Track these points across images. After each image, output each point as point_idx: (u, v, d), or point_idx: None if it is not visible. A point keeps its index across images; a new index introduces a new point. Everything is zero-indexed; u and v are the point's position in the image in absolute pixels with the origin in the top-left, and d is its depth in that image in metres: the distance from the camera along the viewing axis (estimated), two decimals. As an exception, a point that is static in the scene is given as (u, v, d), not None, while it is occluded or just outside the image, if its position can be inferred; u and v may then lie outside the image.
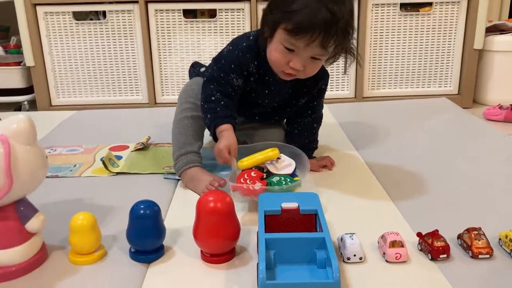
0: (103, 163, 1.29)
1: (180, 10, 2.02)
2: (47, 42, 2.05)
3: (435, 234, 0.85)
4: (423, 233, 0.87)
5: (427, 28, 2.08)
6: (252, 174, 1.04)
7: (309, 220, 0.88)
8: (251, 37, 1.16)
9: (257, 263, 0.75)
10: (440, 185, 1.17)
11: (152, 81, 2.10)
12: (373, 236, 0.90)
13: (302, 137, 1.26)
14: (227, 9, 2.03)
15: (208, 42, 2.06)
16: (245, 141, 1.32)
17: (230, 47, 1.16)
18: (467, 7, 2.05)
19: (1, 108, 2.19)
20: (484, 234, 0.85)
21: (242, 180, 1.02)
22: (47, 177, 1.21)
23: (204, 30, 2.06)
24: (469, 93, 2.14)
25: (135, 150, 1.42)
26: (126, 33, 2.06)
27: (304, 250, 0.79)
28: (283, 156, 1.09)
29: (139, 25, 2.03)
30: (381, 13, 2.05)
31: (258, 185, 1.00)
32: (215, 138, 1.12)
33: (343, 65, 1.13)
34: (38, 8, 2.00)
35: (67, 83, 2.11)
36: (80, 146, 1.48)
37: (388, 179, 1.20)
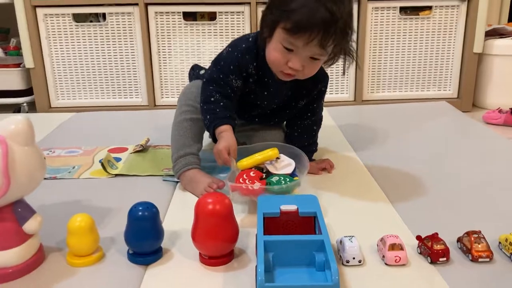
0: (102, 165, 1.28)
1: (180, 12, 2.02)
2: (46, 44, 2.05)
3: (434, 237, 0.85)
4: (423, 236, 0.87)
5: (426, 32, 2.08)
6: (251, 174, 1.03)
7: (308, 222, 0.88)
8: (250, 39, 1.16)
9: (256, 266, 0.75)
10: (439, 188, 1.17)
11: (152, 84, 2.10)
12: (373, 239, 0.89)
13: (302, 139, 1.26)
14: (227, 12, 2.03)
15: (208, 45, 2.06)
16: (245, 143, 1.32)
17: (229, 49, 1.16)
18: (466, 11, 2.05)
19: (1, 110, 2.19)
20: (484, 238, 0.85)
21: (241, 180, 1.02)
22: (45, 178, 1.21)
23: (204, 32, 2.06)
24: (468, 96, 2.14)
25: (134, 152, 1.41)
26: (126, 36, 2.05)
27: (303, 253, 0.78)
28: (282, 156, 1.08)
29: (139, 27, 2.02)
30: (381, 16, 2.06)
31: (257, 185, 1.00)
32: (215, 139, 1.11)
33: (343, 69, 1.13)
34: (38, 10, 2.00)
35: (66, 85, 2.11)
36: (79, 148, 1.48)
37: (388, 182, 1.20)
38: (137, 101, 2.13)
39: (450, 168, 1.29)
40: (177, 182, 1.20)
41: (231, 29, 2.05)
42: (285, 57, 1.05)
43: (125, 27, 2.04)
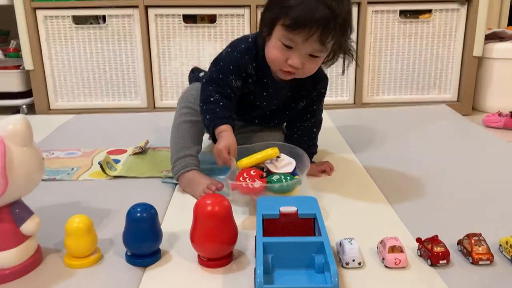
0: (101, 166, 1.28)
1: (180, 15, 2.02)
2: (46, 46, 2.04)
3: (434, 240, 0.84)
4: (423, 239, 0.86)
5: (426, 35, 2.08)
6: (252, 173, 1.02)
7: (308, 224, 0.87)
8: (249, 39, 1.16)
9: (255, 268, 0.74)
10: (439, 190, 1.16)
11: (152, 86, 2.09)
12: (372, 241, 0.89)
13: (302, 141, 1.26)
14: (227, 15, 2.03)
15: (208, 48, 2.06)
16: (245, 144, 1.32)
17: (229, 49, 1.17)
18: (466, 14, 2.05)
19: (0, 112, 2.18)
20: (484, 240, 0.85)
21: (241, 179, 1.01)
22: (44, 180, 1.22)
23: (204, 35, 2.05)
24: (468, 100, 2.13)
25: (133, 154, 1.41)
26: (126, 38, 2.05)
27: (303, 255, 0.78)
28: (282, 155, 1.08)
29: (139, 29, 2.02)
30: (381, 19, 2.05)
31: (257, 183, 0.99)
32: (214, 139, 1.11)
33: (343, 69, 1.13)
34: (38, 12, 2.00)
35: (66, 87, 2.10)
36: (78, 150, 1.48)
37: (388, 184, 1.20)
38: (136, 104, 2.12)
39: (450, 171, 1.29)
40: (176, 184, 1.20)
41: (231, 32, 2.05)
42: (284, 55, 1.05)
43: (125, 30, 2.04)
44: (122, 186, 1.21)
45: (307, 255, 0.78)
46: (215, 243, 0.82)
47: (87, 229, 0.84)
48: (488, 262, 0.83)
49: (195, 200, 1.00)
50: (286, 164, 1.06)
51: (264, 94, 1.20)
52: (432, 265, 0.83)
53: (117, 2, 2.02)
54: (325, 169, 1.27)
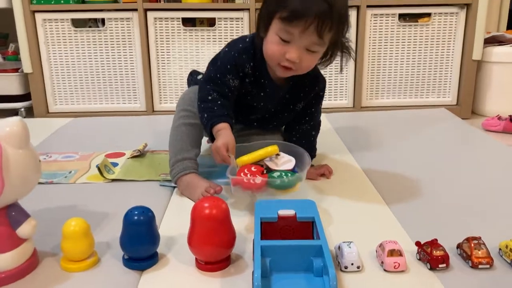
0: (99, 169, 1.27)
1: (179, 18, 2.02)
2: (45, 49, 2.04)
3: (434, 243, 0.84)
4: (422, 242, 0.86)
5: (425, 39, 2.08)
6: (253, 169, 1.01)
7: (306, 227, 0.87)
8: (247, 39, 1.17)
9: (253, 271, 0.74)
10: (439, 194, 1.16)
11: (150, 89, 2.09)
12: (371, 245, 0.88)
13: (301, 144, 1.24)
14: (226, 18, 2.03)
15: (207, 51, 2.06)
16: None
17: (226, 49, 1.17)
18: (465, 18, 2.05)
19: (-2, 115, 2.18)
20: (484, 244, 0.84)
21: (242, 174, 1.00)
22: (41, 183, 1.21)
23: (203, 38, 2.05)
24: (467, 103, 2.13)
25: (131, 157, 1.40)
26: (125, 41, 2.05)
27: (301, 258, 0.77)
28: (282, 153, 1.07)
29: (138, 33, 2.02)
30: (380, 23, 2.05)
31: (259, 179, 0.98)
32: (212, 138, 1.10)
33: (340, 66, 1.14)
34: (37, 15, 2.00)
35: (64, 91, 2.10)
36: (76, 153, 1.47)
37: (387, 188, 1.19)
38: (135, 107, 2.12)
39: (450, 175, 1.29)
40: (174, 187, 1.19)
41: (230, 35, 2.04)
42: (282, 49, 1.05)
43: (124, 33, 2.04)
44: (120, 189, 1.21)
45: (305, 259, 0.77)
46: (213, 247, 0.82)
47: (84, 233, 0.83)
48: (488, 266, 0.82)
49: (193, 204, 0.99)
50: (286, 161, 1.05)
51: (262, 94, 1.20)
52: (431, 269, 0.82)
53: (116, 5, 2.03)
54: (324, 173, 1.27)
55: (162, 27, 2.03)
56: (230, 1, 2.08)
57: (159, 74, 2.08)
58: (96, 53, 2.06)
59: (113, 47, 2.05)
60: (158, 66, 2.07)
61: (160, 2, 2.08)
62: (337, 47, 1.10)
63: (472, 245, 0.84)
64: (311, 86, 1.21)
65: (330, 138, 1.61)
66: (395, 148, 1.52)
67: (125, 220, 0.83)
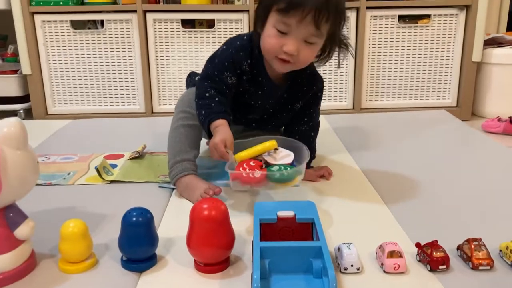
0: (97, 171, 1.27)
1: (179, 20, 2.02)
2: (44, 51, 2.04)
3: (434, 245, 0.83)
4: (422, 244, 0.85)
5: (425, 40, 2.08)
6: (251, 163, 1.00)
7: (306, 229, 0.86)
8: (245, 37, 1.17)
9: (252, 273, 0.73)
10: (439, 195, 1.15)
11: (149, 91, 2.09)
12: (371, 246, 0.88)
13: (300, 146, 1.25)
14: (226, 20, 2.03)
15: (206, 52, 2.05)
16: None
17: (224, 47, 1.18)
18: (465, 19, 2.05)
19: (-3, 116, 2.18)
20: (484, 245, 0.84)
21: (241, 169, 0.99)
22: (40, 184, 1.21)
23: (203, 40, 2.05)
24: (467, 105, 2.13)
25: (130, 159, 1.40)
26: (124, 43, 2.05)
27: (300, 259, 0.77)
28: (280, 148, 1.06)
29: (137, 34, 2.02)
30: (380, 25, 2.05)
31: (258, 173, 0.97)
32: (210, 134, 1.09)
33: (338, 61, 1.14)
34: (36, 16, 2.00)
35: (63, 92, 2.10)
36: (75, 155, 1.47)
37: (387, 189, 1.19)
38: (134, 108, 2.12)
39: (450, 176, 1.28)
40: (173, 188, 1.19)
41: (230, 37, 2.04)
42: (279, 41, 1.04)
43: (123, 34, 2.04)
44: (118, 191, 1.20)
45: (305, 260, 0.77)
46: (212, 248, 0.81)
47: (82, 234, 0.83)
48: (488, 267, 0.82)
49: (192, 205, 0.98)
50: (285, 156, 1.04)
51: (259, 93, 1.20)
52: (431, 270, 0.82)
53: (116, 6, 2.03)
54: (324, 174, 1.26)
55: (161, 28, 2.03)
56: (230, 3, 2.08)
57: (158, 75, 2.08)
58: (95, 54, 2.06)
59: (112, 48, 2.05)
60: (157, 67, 2.07)
61: (159, 3, 2.08)
62: (334, 42, 1.10)
63: (473, 246, 0.83)
64: (308, 85, 1.21)
65: (330, 140, 1.61)
66: (395, 150, 1.52)
67: (124, 221, 0.83)
